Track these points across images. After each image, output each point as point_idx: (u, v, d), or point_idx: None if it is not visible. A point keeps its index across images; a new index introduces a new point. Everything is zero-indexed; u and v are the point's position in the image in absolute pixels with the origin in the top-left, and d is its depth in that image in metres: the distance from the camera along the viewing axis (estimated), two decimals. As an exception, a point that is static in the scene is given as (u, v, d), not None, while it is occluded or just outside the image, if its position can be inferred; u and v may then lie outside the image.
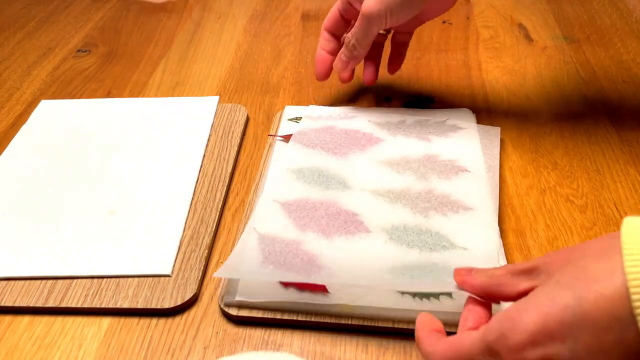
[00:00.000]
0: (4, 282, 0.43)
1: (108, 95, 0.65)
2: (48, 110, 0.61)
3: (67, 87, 0.67)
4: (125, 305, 0.40)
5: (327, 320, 0.39)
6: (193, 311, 0.41)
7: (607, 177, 0.50)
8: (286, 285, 0.40)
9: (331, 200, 0.47)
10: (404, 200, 0.46)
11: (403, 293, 0.39)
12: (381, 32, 0.55)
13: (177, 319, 0.41)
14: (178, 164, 0.53)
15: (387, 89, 0.63)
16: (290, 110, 0.58)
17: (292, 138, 0.54)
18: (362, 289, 0.39)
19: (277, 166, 0.51)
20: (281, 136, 0.54)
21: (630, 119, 0.57)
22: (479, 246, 0.42)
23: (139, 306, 0.40)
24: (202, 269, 0.43)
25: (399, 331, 0.38)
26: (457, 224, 0.44)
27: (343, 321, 0.39)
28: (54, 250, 0.45)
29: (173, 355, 0.38)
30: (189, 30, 0.78)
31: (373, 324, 0.38)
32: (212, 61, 0.70)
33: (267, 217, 0.45)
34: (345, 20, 0.55)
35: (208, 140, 0.56)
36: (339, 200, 0.47)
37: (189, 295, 0.41)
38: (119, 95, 0.65)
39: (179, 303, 0.40)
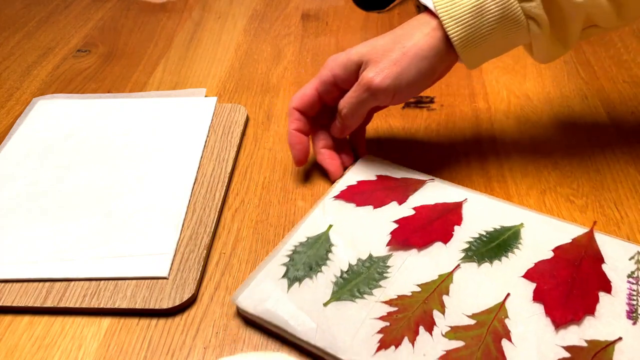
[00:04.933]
0: (3, 282, 0.43)
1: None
2: (43, 110, 0.61)
3: (67, 87, 0.67)
4: (124, 306, 0.40)
5: None
6: (193, 311, 0.41)
7: (607, 177, 0.50)
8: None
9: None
10: None
11: None
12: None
13: (177, 319, 0.40)
14: (176, 164, 0.53)
15: (387, 88, 0.63)
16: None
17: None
18: None
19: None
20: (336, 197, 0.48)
21: (630, 119, 0.57)
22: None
23: (137, 306, 0.40)
24: (200, 269, 0.43)
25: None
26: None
27: None
28: (50, 252, 0.45)
29: (173, 355, 0.38)
30: (189, 30, 0.78)
31: None
32: (212, 61, 0.70)
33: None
34: (322, 102, 0.50)
35: (207, 140, 0.56)
36: None
37: (187, 296, 0.41)
38: (119, 95, 0.65)
39: (177, 303, 0.40)
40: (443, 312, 0.38)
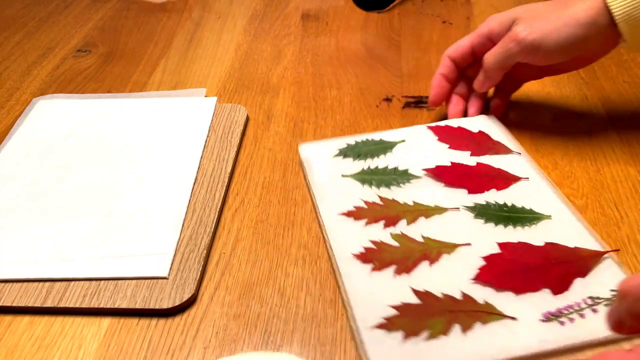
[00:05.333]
0: (3, 282, 0.43)
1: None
2: (43, 110, 0.61)
3: (67, 87, 0.67)
4: (124, 306, 0.40)
5: None
6: (193, 311, 0.41)
7: (607, 177, 0.50)
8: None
9: None
10: None
11: None
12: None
13: (177, 319, 0.40)
14: (176, 164, 0.53)
15: (387, 89, 0.63)
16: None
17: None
18: None
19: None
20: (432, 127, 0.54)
21: (630, 119, 0.57)
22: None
23: (137, 306, 0.40)
24: (200, 269, 0.43)
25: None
26: None
27: None
28: (50, 252, 0.45)
29: (173, 355, 0.38)
30: (189, 30, 0.78)
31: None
32: (212, 61, 0.70)
33: None
34: (474, 56, 0.53)
35: (207, 140, 0.56)
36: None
37: (187, 296, 0.41)
38: (119, 95, 0.65)
39: (177, 303, 0.40)
40: (408, 224, 0.44)
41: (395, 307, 0.38)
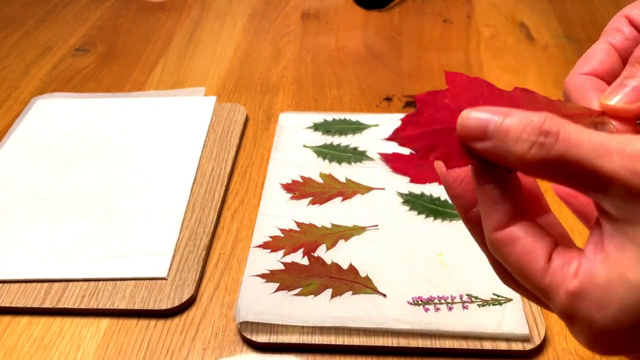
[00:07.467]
0: (1, 283, 0.42)
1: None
2: (42, 109, 0.61)
3: (66, 86, 0.67)
4: (122, 307, 0.40)
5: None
6: (192, 312, 0.41)
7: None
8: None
9: None
10: None
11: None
12: None
13: (176, 320, 0.40)
14: (175, 164, 0.52)
15: (387, 88, 0.63)
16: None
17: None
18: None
19: None
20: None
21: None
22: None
23: (136, 307, 0.40)
24: (199, 270, 0.43)
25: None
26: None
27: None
28: (50, 252, 0.44)
29: (172, 356, 0.38)
30: (188, 29, 0.77)
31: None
32: (211, 60, 0.70)
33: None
34: None
35: (206, 140, 0.55)
36: None
37: (186, 297, 0.41)
38: (118, 94, 0.65)
39: (176, 304, 0.40)
40: (337, 200, 0.47)
41: (283, 263, 0.42)
